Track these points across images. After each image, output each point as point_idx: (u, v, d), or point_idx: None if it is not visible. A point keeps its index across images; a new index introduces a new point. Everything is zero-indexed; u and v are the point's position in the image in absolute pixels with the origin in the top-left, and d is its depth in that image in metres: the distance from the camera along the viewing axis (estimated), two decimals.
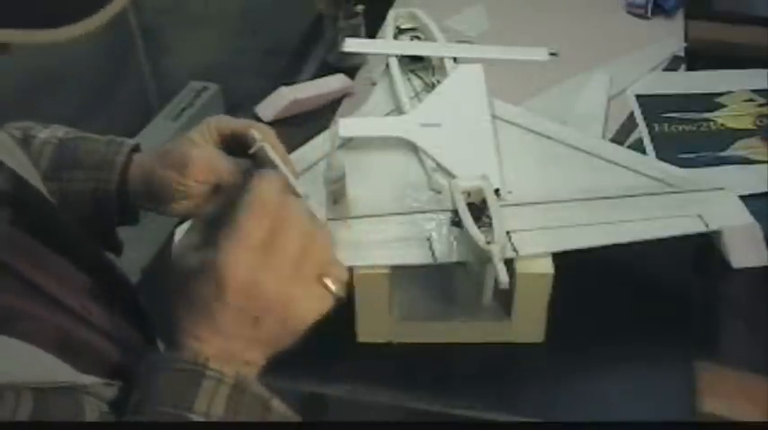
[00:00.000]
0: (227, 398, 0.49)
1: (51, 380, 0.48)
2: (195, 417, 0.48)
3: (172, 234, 0.92)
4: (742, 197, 0.93)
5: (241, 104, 1.86)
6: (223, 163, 0.68)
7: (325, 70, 1.36)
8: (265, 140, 0.67)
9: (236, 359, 0.51)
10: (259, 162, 0.66)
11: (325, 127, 1.04)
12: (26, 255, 0.52)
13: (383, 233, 0.86)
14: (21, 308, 0.49)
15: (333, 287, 0.54)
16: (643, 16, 1.46)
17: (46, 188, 0.65)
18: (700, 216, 0.89)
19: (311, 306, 0.54)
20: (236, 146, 0.70)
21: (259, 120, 1.26)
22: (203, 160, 0.67)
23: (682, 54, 1.35)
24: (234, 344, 0.51)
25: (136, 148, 0.73)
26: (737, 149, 1.12)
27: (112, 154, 0.71)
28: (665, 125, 1.18)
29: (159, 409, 0.49)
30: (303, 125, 1.21)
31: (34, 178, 0.62)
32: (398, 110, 1.03)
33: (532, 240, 0.84)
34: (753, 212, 0.91)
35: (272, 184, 0.54)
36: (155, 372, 0.51)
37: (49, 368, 0.48)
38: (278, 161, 0.64)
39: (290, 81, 1.33)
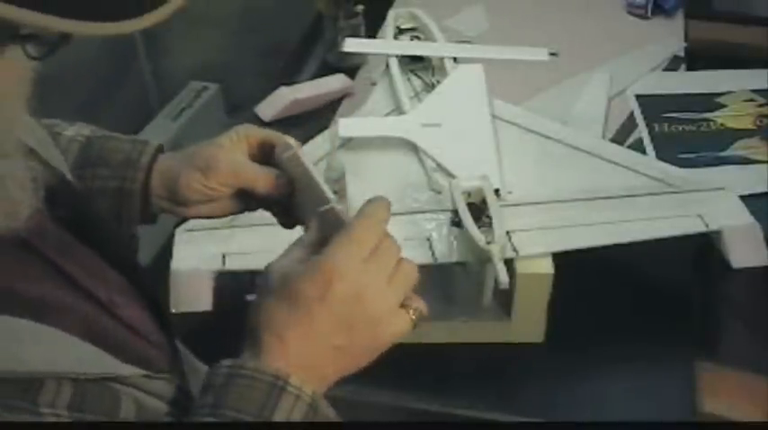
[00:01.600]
0: (303, 415, 0.51)
1: (91, 371, 0.48)
2: None
3: (172, 234, 0.92)
4: (742, 197, 0.93)
5: (241, 104, 1.86)
6: (250, 169, 0.68)
7: (326, 70, 1.36)
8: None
9: (315, 372, 0.53)
10: (285, 170, 0.67)
11: (325, 127, 1.04)
12: (58, 245, 0.52)
13: None
14: (55, 297, 0.49)
15: (414, 317, 0.56)
16: (643, 16, 1.46)
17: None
18: (700, 216, 0.89)
19: (395, 329, 0.56)
20: (262, 155, 0.69)
21: (259, 119, 1.26)
22: (231, 164, 0.67)
23: (682, 54, 1.35)
24: (318, 352, 0.53)
25: (160, 149, 0.73)
26: (737, 149, 1.12)
27: (138, 153, 0.71)
28: (665, 125, 1.18)
29: (237, 416, 0.50)
30: (303, 125, 1.21)
31: (66, 171, 0.62)
32: (398, 110, 1.03)
33: (532, 240, 0.84)
34: (753, 212, 0.91)
35: (383, 206, 0.57)
36: (234, 379, 0.52)
37: (88, 358, 0.48)
38: (311, 168, 0.65)
39: (290, 81, 1.33)
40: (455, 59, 1.08)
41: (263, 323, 0.54)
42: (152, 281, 0.95)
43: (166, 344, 0.59)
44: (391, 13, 1.18)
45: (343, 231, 0.54)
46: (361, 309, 0.53)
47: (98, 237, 0.58)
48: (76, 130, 0.74)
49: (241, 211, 0.71)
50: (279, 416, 0.50)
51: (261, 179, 0.67)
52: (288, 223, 0.69)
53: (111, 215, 0.70)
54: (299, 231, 0.89)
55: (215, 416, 0.50)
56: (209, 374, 0.54)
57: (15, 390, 0.43)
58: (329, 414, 0.53)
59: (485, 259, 0.77)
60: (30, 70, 0.44)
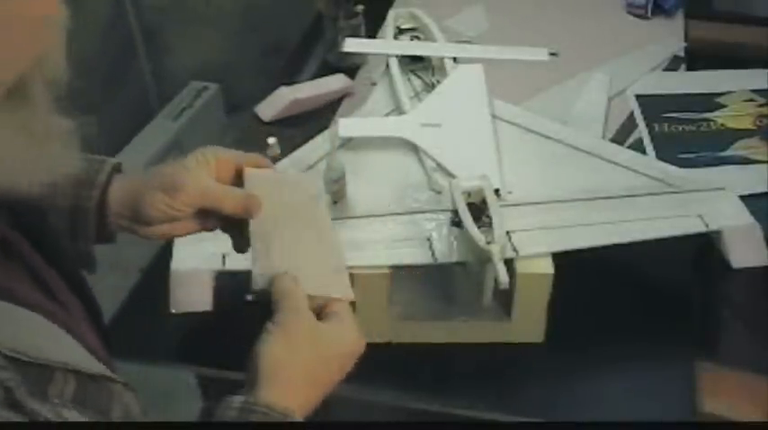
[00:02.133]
0: None
1: (89, 368, 0.49)
2: None
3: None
4: (742, 197, 0.93)
5: (241, 104, 1.86)
6: (217, 189, 0.69)
7: (326, 70, 1.36)
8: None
9: (307, 407, 0.64)
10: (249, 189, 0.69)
11: (325, 127, 1.04)
12: (30, 254, 0.53)
13: (383, 233, 0.86)
14: (42, 302, 0.50)
15: None
16: (643, 16, 1.46)
17: None
18: (700, 216, 0.89)
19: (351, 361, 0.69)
20: (230, 176, 0.70)
21: (259, 119, 1.26)
22: (197, 185, 0.68)
23: (682, 54, 1.35)
24: (312, 392, 0.65)
25: (117, 167, 0.73)
26: (737, 149, 1.12)
27: (94, 172, 0.70)
28: (665, 125, 1.18)
29: None
30: (303, 125, 1.21)
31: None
32: (398, 110, 1.03)
33: (532, 240, 0.84)
34: (753, 212, 0.91)
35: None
36: (247, 414, 0.59)
37: (83, 355, 0.50)
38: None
39: (290, 81, 1.33)
40: (455, 59, 1.08)
41: (269, 367, 0.63)
42: (151, 281, 0.96)
43: (109, 362, 0.59)
44: (391, 13, 1.18)
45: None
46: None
47: (56, 255, 0.57)
48: None
49: (199, 231, 0.72)
50: None
51: (228, 199, 0.68)
52: (242, 247, 0.72)
53: (66, 233, 0.70)
54: None
55: None
56: (222, 408, 0.59)
57: (31, 379, 0.44)
58: None
59: (485, 259, 0.77)
60: None
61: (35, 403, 0.42)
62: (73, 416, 0.45)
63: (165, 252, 0.92)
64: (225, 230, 0.72)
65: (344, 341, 0.66)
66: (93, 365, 0.50)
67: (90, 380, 0.48)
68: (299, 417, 0.61)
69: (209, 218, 0.70)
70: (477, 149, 0.95)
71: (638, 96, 1.24)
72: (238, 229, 0.70)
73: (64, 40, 0.47)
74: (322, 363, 0.64)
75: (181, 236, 0.73)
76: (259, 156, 0.72)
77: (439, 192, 0.91)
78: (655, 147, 1.14)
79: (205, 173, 0.69)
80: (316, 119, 1.23)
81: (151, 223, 0.69)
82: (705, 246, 0.94)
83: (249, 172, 0.70)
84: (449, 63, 1.07)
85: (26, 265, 0.51)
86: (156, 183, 0.69)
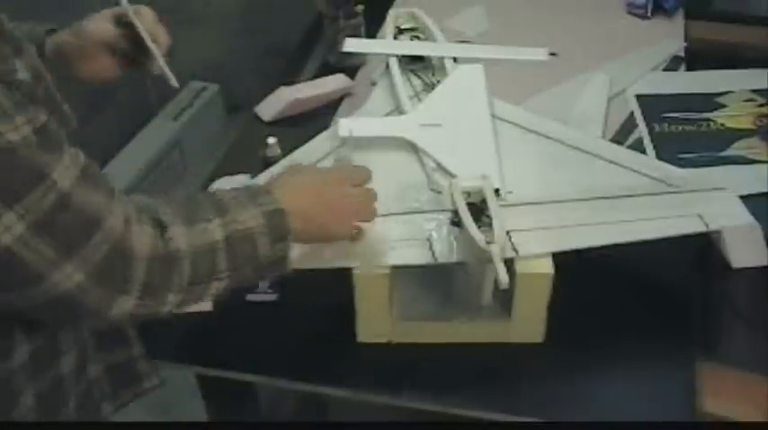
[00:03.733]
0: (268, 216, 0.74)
1: None
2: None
3: None
4: (742, 197, 0.93)
5: (241, 104, 1.86)
6: (111, 29, 0.88)
7: (325, 70, 1.36)
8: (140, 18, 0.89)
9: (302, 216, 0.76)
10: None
11: (325, 127, 1.04)
12: None
13: (383, 233, 0.86)
14: None
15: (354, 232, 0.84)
16: (643, 16, 1.46)
17: None
18: (700, 216, 0.89)
19: (339, 229, 0.82)
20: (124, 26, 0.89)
21: (259, 119, 1.26)
22: (96, 26, 0.88)
23: (682, 54, 1.35)
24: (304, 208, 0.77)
25: (51, 31, 0.89)
26: (737, 149, 1.12)
27: (33, 38, 0.84)
28: (665, 125, 1.18)
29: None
30: (303, 125, 1.21)
31: None
32: (398, 110, 1.03)
33: (532, 240, 0.84)
34: (753, 212, 0.91)
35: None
36: (255, 196, 0.74)
37: None
38: (144, 35, 0.88)
39: (290, 81, 1.33)
40: (455, 59, 1.08)
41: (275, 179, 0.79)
42: None
43: None
44: (391, 13, 1.18)
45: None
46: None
47: None
48: None
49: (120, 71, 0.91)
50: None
51: (119, 36, 0.88)
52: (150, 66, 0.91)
53: None
54: None
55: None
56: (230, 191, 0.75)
57: None
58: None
59: (485, 259, 0.77)
60: None
61: None
62: None
63: None
64: (134, 59, 0.91)
65: (344, 171, 0.84)
66: None
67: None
68: (296, 220, 0.73)
69: (126, 59, 0.90)
70: (477, 149, 0.95)
71: (638, 96, 1.24)
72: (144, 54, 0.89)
73: None
74: (321, 183, 0.80)
75: (108, 79, 0.91)
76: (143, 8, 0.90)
77: (439, 192, 0.91)
78: (655, 147, 1.14)
79: (104, 19, 0.88)
80: (316, 119, 1.23)
81: (74, 63, 0.87)
82: (705, 246, 0.94)
83: None
84: (449, 63, 1.07)
85: None
86: (71, 31, 0.88)
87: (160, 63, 0.90)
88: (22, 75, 0.60)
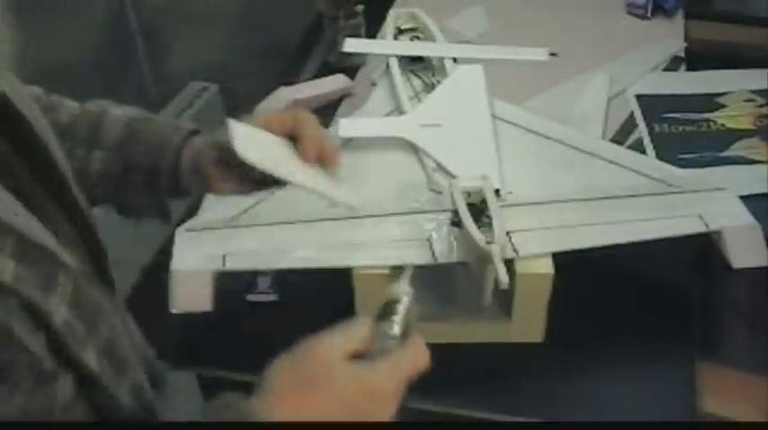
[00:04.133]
0: None
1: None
2: None
3: (172, 234, 0.92)
4: (742, 197, 0.93)
5: (241, 104, 1.86)
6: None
7: (325, 70, 1.36)
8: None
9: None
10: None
11: (324, 127, 1.04)
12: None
13: (383, 233, 0.86)
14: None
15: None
16: (643, 16, 1.46)
17: (112, 159, 0.78)
18: (700, 216, 0.89)
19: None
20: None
21: None
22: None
23: (682, 54, 1.35)
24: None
25: (195, 132, 0.84)
26: (737, 149, 1.12)
27: (171, 135, 0.81)
28: (665, 125, 1.18)
29: None
30: None
31: (48, 135, 0.64)
32: (398, 110, 1.03)
33: (532, 240, 0.84)
34: (753, 212, 0.91)
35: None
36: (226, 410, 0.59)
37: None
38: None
39: (290, 81, 1.33)
40: (455, 59, 1.08)
41: (278, 379, 0.62)
42: (151, 281, 0.95)
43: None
44: (391, 13, 1.18)
45: (398, 356, 0.62)
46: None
47: (67, 196, 0.63)
48: (123, 112, 0.83)
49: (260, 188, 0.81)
50: None
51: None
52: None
53: (145, 188, 0.81)
54: (297, 229, 0.89)
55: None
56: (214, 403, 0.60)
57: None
58: None
59: (485, 259, 0.77)
60: None
61: None
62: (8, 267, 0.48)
63: (165, 252, 0.92)
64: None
65: (369, 384, 0.62)
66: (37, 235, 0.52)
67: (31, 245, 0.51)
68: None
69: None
70: (477, 149, 0.95)
71: (638, 96, 1.24)
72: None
73: None
74: (324, 397, 0.60)
75: (244, 192, 0.82)
76: (304, 114, 0.80)
77: (439, 193, 0.91)
78: (655, 148, 1.14)
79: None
80: None
81: (210, 179, 0.79)
82: (705, 246, 0.94)
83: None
84: (449, 63, 1.07)
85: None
86: (214, 143, 0.80)
87: (330, 195, 0.78)
88: None
